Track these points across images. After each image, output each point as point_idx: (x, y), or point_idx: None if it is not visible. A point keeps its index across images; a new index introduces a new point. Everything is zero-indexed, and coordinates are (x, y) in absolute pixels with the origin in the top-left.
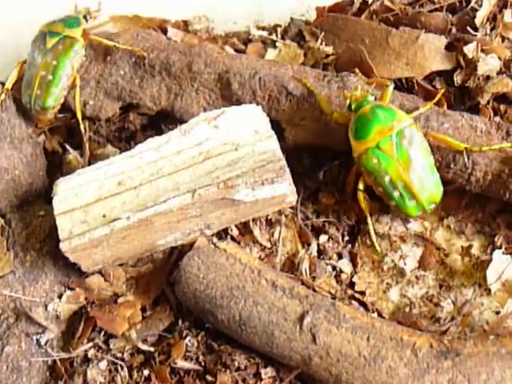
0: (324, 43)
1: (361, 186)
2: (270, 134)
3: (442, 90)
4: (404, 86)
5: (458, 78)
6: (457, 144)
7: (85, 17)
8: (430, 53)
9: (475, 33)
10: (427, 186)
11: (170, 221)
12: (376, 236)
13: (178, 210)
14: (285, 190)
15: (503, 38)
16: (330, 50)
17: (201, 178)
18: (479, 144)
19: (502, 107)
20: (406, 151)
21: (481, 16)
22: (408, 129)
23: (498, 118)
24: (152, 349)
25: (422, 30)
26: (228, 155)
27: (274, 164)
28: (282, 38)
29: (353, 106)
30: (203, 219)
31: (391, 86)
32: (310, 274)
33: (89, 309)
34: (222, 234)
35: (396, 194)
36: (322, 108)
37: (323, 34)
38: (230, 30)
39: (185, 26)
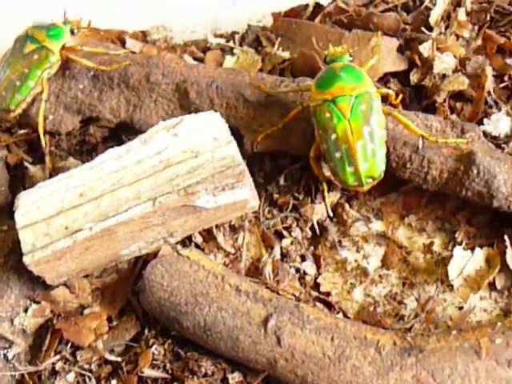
0: (280, 48)
1: (312, 154)
2: (229, 140)
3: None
4: None
5: (414, 78)
6: (415, 130)
7: (72, 30)
8: (382, 54)
9: (430, 32)
10: (370, 156)
11: (133, 230)
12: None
13: (140, 219)
14: (246, 195)
15: (457, 37)
16: (286, 54)
17: (161, 186)
18: (442, 144)
19: (459, 105)
20: (360, 116)
21: (435, 15)
22: (369, 95)
23: (454, 116)
24: (119, 359)
25: (377, 30)
26: (188, 162)
27: (233, 169)
28: (240, 44)
29: (327, 59)
30: (166, 227)
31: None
32: (274, 277)
33: (55, 321)
34: (187, 242)
35: (337, 155)
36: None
37: (279, 39)
38: (189, 38)
39: (143, 36)
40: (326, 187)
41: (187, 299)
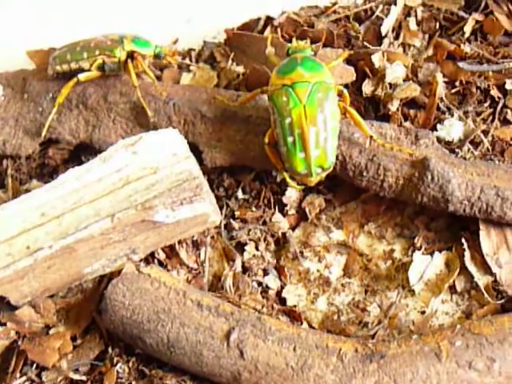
0: (234, 63)
1: (266, 140)
2: (187, 156)
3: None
4: None
5: (366, 89)
6: (366, 130)
7: (158, 53)
8: (328, 68)
9: (381, 42)
10: (321, 144)
11: (94, 247)
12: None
13: (100, 236)
14: (205, 209)
15: (409, 45)
16: (240, 69)
17: (120, 203)
18: (389, 149)
19: (412, 112)
20: (316, 103)
21: (387, 25)
22: (327, 85)
23: (408, 124)
24: (84, 378)
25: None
26: (147, 179)
27: (189, 182)
28: (197, 61)
29: (290, 51)
30: (127, 244)
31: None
32: (235, 291)
33: (20, 342)
34: (150, 259)
35: (290, 140)
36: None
37: (233, 53)
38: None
39: None
40: (286, 174)
41: (149, 317)
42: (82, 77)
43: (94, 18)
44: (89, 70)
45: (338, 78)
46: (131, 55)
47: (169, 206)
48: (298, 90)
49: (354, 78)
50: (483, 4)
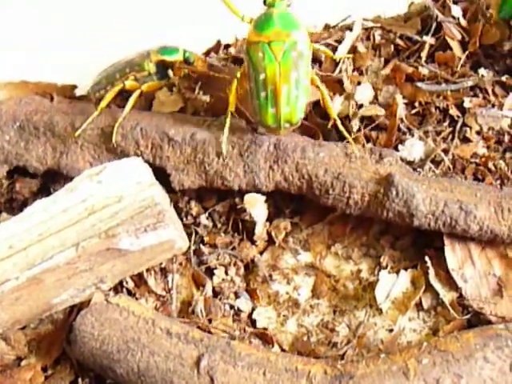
0: (201, 92)
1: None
2: (151, 183)
3: None
4: None
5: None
6: (331, 110)
7: (187, 58)
8: None
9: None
10: (292, 101)
11: (60, 277)
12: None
13: (66, 265)
14: (170, 236)
15: (367, 69)
16: (206, 98)
17: (85, 232)
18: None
19: (374, 134)
20: (290, 62)
21: (342, 50)
22: (303, 45)
23: (370, 144)
24: None
25: None
26: (111, 207)
27: (152, 209)
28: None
29: (267, 2)
30: (94, 273)
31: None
32: (207, 315)
33: None
34: (119, 288)
35: (262, 95)
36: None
37: (199, 83)
38: None
39: (71, 89)
40: (228, 120)
41: (119, 346)
42: (128, 83)
43: (94, 18)
44: (123, 86)
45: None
46: (163, 66)
47: (132, 233)
48: (273, 47)
49: (324, 96)
50: (437, 27)
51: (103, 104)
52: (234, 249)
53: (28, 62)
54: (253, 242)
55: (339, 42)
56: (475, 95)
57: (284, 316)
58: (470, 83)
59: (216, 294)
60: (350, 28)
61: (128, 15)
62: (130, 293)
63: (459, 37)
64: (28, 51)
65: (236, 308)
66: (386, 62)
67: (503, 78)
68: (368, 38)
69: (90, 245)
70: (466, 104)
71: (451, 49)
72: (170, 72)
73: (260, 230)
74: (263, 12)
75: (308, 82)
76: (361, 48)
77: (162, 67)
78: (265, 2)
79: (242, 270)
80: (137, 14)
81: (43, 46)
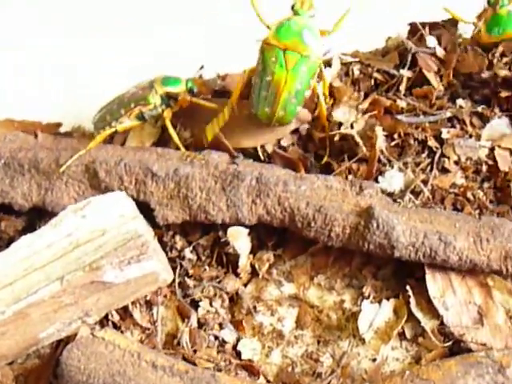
0: (183, 129)
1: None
2: (134, 216)
3: None
4: (262, 154)
5: (311, 147)
6: (324, 117)
7: (191, 88)
8: (287, 116)
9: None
10: (288, 108)
11: (46, 311)
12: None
13: (51, 299)
14: (154, 268)
15: (345, 103)
16: (187, 134)
17: (69, 265)
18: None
19: (355, 166)
20: (298, 74)
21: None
22: (315, 61)
23: (351, 177)
24: None
25: None
26: (95, 241)
27: (135, 241)
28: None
29: (294, 8)
30: (80, 307)
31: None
32: (192, 346)
33: None
34: (104, 321)
35: (263, 94)
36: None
37: (181, 119)
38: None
39: (56, 126)
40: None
41: (105, 380)
42: (119, 127)
43: (94, 18)
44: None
45: (294, 122)
46: (167, 97)
47: (116, 265)
48: (287, 56)
49: (310, 119)
50: (414, 60)
51: (92, 144)
52: (219, 281)
53: (14, 100)
54: (237, 275)
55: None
56: (453, 126)
57: (269, 347)
58: (448, 114)
59: (201, 325)
60: (329, 63)
61: (113, 54)
62: (115, 326)
63: (435, 68)
64: (14, 88)
65: (221, 339)
66: (366, 95)
67: (479, 109)
68: (347, 74)
69: (74, 278)
70: (444, 135)
71: (428, 81)
72: (173, 103)
73: (244, 263)
74: (288, 17)
75: (307, 92)
76: (339, 83)
77: (167, 99)
78: (292, 8)
79: (226, 302)
80: (122, 51)
81: (28, 84)
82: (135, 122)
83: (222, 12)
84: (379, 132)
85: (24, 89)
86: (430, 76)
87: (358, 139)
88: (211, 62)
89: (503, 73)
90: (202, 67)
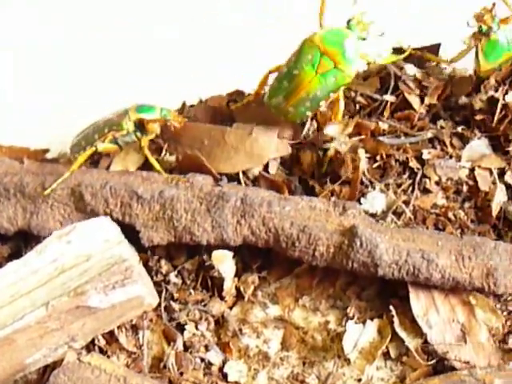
0: (168, 153)
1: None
2: (119, 241)
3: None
4: (248, 178)
5: (296, 170)
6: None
7: (164, 116)
8: (264, 143)
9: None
10: (298, 109)
11: (32, 337)
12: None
13: (37, 325)
14: (139, 292)
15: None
16: (173, 158)
17: (54, 291)
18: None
19: (337, 188)
20: (324, 82)
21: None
22: (344, 77)
23: (334, 198)
24: None
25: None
26: (80, 266)
27: (119, 266)
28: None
29: (349, 23)
30: (65, 332)
31: None
32: (178, 369)
33: None
34: (91, 346)
35: (284, 84)
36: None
37: (166, 144)
38: None
39: (43, 153)
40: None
41: None
42: (100, 146)
43: (94, 19)
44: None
45: (274, 150)
46: (141, 124)
47: (101, 290)
48: (323, 60)
49: (290, 152)
50: (396, 83)
51: (74, 166)
52: (204, 305)
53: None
54: (222, 298)
55: None
56: (433, 147)
57: (255, 369)
58: (429, 135)
59: (187, 348)
60: None
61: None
62: (101, 350)
63: (417, 92)
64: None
65: (207, 361)
66: (350, 118)
67: (459, 129)
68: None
69: (59, 303)
70: (425, 156)
71: (410, 105)
72: (148, 130)
73: (229, 286)
74: (341, 28)
75: (323, 102)
76: (323, 107)
77: (140, 126)
78: (348, 22)
79: (212, 325)
80: (107, 75)
81: (15, 110)
82: (112, 145)
83: (221, 12)
84: (362, 154)
85: (11, 115)
86: (412, 99)
87: (347, 158)
88: (211, 61)
89: (478, 105)
90: (183, 104)
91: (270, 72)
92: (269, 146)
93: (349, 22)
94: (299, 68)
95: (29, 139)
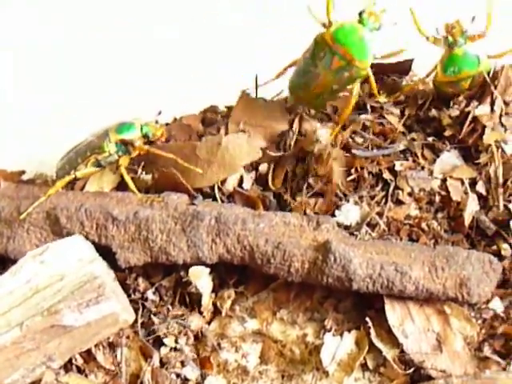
0: (144, 172)
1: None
2: (92, 259)
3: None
4: (224, 193)
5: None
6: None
7: (146, 133)
8: (234, 151)
9: None
10: (318, 101)
11: (9, 357)
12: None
13: (12, 345)
14: (113, 309)
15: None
16: (149, 178)
17: (29, 311)
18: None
19: (312, 201)
20: (338, 77)
21: None
22: (358, 72)
23: (309, 211)
24: None
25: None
26: (54, 286)
27: (91, 283)
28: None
29: (361, 15)
30: (42, 352)
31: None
32: None
33: None
34: (68, 365)
35: (302, 80)
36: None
37: (142, 163)
38: None
39: (20, 174)
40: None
41: None
42: (79, 173)
43: (93, 19)
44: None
45: (245, 155)
46: (123, 144)
47: (75, 308)
48: (335, 58)
49: (260, 155)
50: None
51: (52, 191)
52: (183, 319)
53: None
54: (200, 313)
55: None
56: (406, 158)
57: None
58: (402, 147)
59: (163, 364)
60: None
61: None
62: (79, 369)
63: (394, 111)
64: None
65: (183, 376)
66: None
67: (430, 139)
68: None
69: (33, 323)
70: (397, 167)
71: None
72: (130, 149)
73: (206, 302)
74: (351, 22)
75: (340, 94)
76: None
77: (123, 145)
78: (359, 14)
79: (191, 340)
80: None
81: (15, 110)
82: (93, 169)
83: (221, 12)
84: (336, 167)
85: (11, 115)
86: (391, 118)
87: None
88: (211, 62)
89: (447, 121)
90: (159, 113)
91: (289, 66)
92: (240, 153)
93: (360, 14)
94: (313, 65)
95: (5, 160)
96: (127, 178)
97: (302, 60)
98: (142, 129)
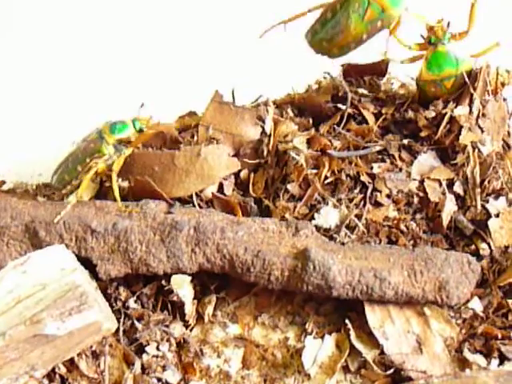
0: (120, 179)
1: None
2: (74, 268)
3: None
4: (202, 199)
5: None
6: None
7: (140, 128)
8: (214, 162)
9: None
10: (342, 50)
11: None
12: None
13: None
14: (96, 317)
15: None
16: (125, 184)
17: (11, 321)
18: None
19: (291, 205)
20: (370, 28)
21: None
22: (388, 20)
23: (288, 215)
24: None
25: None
26: (37, 295)
27: (73, 292)
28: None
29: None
30: (25, 361)
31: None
32: None
33: None
34: (52, 375)
35: (329, 30)
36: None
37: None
38: (37, 181)
39: (0, 185)
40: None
41: None
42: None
43: (93, 19)
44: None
45: (225, 169)
46: (121, 142)
47: (57, 317)
48: (371, 8)
49: (239, 168)
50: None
51: (74, 200)
52: (166, 325)
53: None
54: (183, 320)
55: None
56: (383, 160)
57: None
58: (378, 148)
59: (145, 369)
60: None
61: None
62: (62, 378)
63: (372, 108)
64: None
65: (164, 380)
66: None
67: (405, 141)
68: (282, 115)
69: (16, 332)
70: (375, 169)
71: (365, 120)
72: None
73: (190, 310)
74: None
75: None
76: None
77: (120, 145)
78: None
79: (174, 346)
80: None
81: (15, 110)
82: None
83: (221, 12)
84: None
85: (11, 115)
86: (367, 115)
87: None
88: (211, 62)
89: (423, 122)
90: (142, 105)
91: (309, 11)
92: (219, 165)
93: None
94: (345, 15)
95: None
96: (115, 186)
97: (330, 9)
98: (134, 125)
